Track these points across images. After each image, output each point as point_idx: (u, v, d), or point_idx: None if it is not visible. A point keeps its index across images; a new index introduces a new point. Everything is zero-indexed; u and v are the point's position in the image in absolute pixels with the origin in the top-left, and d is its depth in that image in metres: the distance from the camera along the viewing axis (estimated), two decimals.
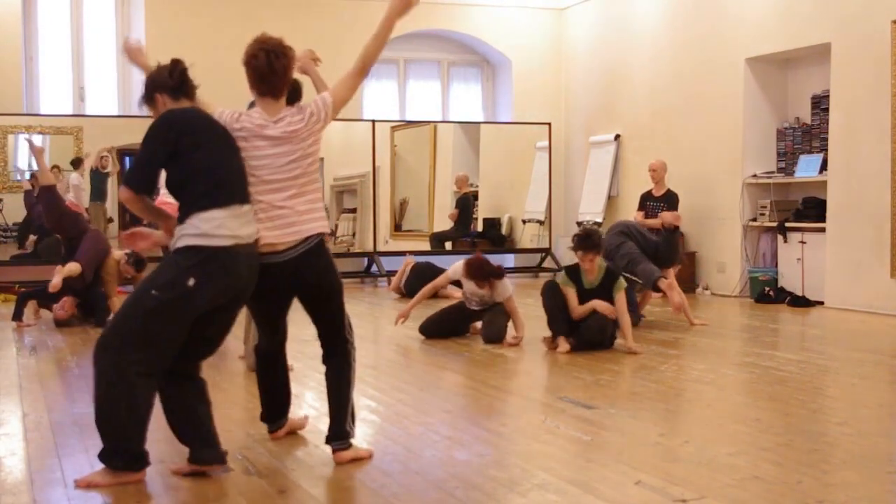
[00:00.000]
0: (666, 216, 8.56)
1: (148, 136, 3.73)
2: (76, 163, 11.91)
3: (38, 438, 4.46)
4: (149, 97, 3.87)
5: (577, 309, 6.87)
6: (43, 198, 8.70)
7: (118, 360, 3.57)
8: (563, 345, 6.81)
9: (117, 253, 8.82)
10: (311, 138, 3.96)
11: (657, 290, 8.15)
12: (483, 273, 7.41)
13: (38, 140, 11.59)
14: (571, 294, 6.91)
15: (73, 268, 8.24)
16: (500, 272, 7.44)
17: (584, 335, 6.82)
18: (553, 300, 6.95)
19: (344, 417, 4.04)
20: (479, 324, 7.62)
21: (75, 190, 11.69)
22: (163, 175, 3.82)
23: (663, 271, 8.06)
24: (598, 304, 6.86)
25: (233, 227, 3.68)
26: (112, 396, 3.59)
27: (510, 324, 7.39)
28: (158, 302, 3.59)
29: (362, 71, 4.08)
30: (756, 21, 10.45)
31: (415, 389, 5.74)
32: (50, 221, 8.92)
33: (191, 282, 3.59)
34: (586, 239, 6.90)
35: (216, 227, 3.64)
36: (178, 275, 3.61)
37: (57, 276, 8.18)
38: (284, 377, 4.39)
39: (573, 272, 7.00)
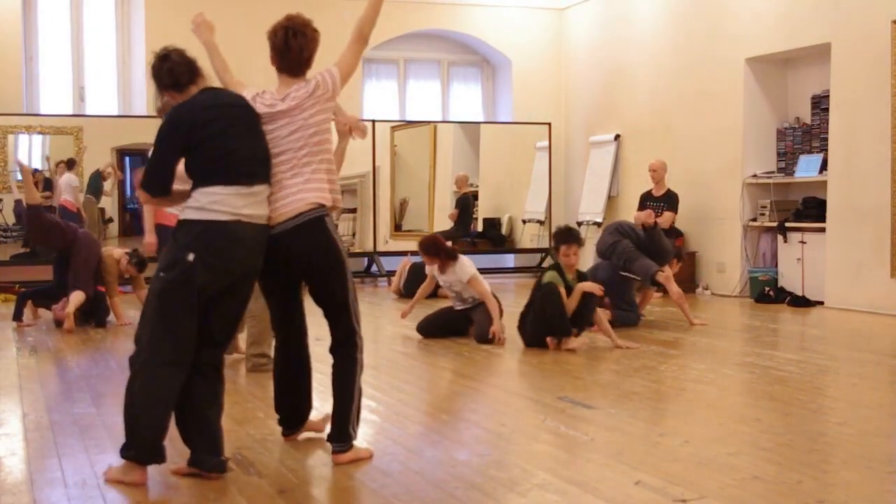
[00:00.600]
0: (638, 215, 8.55)
1: (158, 139, 3.80)
2: (71, 163, 11.89)
3: (38, 438, 4.46)
4: (162, 97, 4.03)
5: (570, 303, 6.88)
6: (28, 215, 8.68)
7: (144, 351, 3.65)
8: (574, 342, 6.81)
9: (117, 252, 8.80)
10: (313, 108, 3.94)
11: (656, 284, 8.16)
12: (434, 248, 7.44)
13: (37, 142, 11.57)
14: (563, 292, 6.89)
15: (77, 299, 8.17)
16: (452, 253, 7.49)
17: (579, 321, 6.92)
18: (556, 308, 6.80)
19: (347, 418, 4.00)
20: None
21: (73, 191, 11.68)
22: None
23: (661, 267, 8.08)
24: (583, 285, 6.92)
25: (235, 206, 3.70)
26: (132, 385, 3.66)
27: (506, 322, 7.37)
28: (166, 283, 3.66)
29: (360, 37, 4.09)
30: (756, 21, 10.44)
31: (415, 389, 5.75)
32: (36, 238, 8.92)
33: (190, 256, 3.64)
34: (569, 233, 7.04)
35: (214, 202, 3.68)
36: (178, 251, 3.68)
37: (68, 321, 8.05)
38: (305, 380, 4.25)
39: (559, 269, 7.01)
